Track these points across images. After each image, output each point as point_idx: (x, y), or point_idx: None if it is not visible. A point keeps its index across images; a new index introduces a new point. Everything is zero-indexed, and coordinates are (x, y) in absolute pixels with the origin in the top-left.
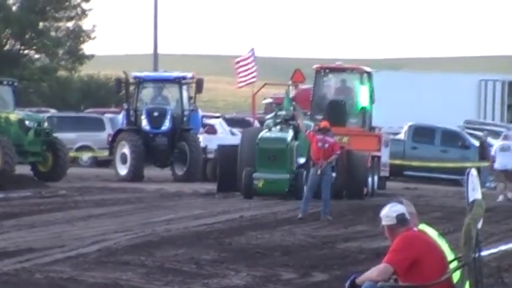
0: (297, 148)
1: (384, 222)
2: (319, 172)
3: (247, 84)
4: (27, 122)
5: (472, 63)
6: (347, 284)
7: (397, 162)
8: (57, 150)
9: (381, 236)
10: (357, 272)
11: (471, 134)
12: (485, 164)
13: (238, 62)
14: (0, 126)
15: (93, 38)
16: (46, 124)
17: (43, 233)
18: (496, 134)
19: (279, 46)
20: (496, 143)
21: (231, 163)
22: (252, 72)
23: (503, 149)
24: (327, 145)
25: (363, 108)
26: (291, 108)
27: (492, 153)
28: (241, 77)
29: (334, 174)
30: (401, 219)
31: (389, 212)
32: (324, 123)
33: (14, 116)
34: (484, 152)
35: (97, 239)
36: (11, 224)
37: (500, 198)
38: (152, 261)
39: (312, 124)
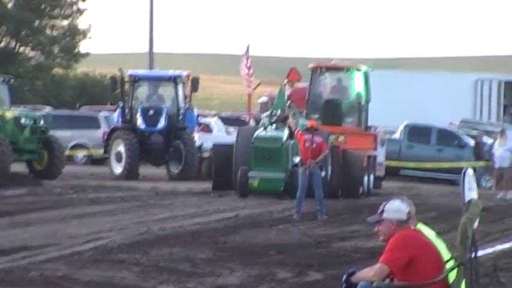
0: (292, 147)
1: (390, 216)
2: (307, 172)
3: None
4: (23, 120)
5: (468, 63)
6: (343, 277)
7: (393, 162)
8: (53, 148)
9: (376, 235)
10: (353, 268)
11: (466, 134)
12: (480, 163)
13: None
14: None
15: (89, 38)
16: (42, 122)
17: (38, 231)
18: (493, 134)
19: (275, 45)
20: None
21: (226, 162)
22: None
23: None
24: (314, 145)
25: (359, 107)
26: (284, 106)
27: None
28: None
29: (323, 173)
30: (409, 218)
31: (401, 206)
32: (311, 123)
33: (9, 114)
34: (479, 152)
35: (92, 237)
36: (5, 221)
37: (501, 194)
38: (147, 260)
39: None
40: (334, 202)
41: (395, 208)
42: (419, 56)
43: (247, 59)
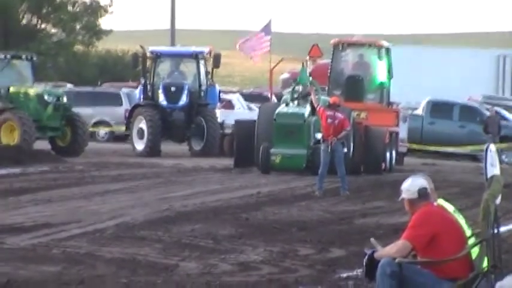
0: (314, 123)
1: (405, 196)
2: (329, 149)
3: (260, 54)
4: (46, 97)
5: (490, 38)
6: (365, 258)
7: (415, 145)
8: (76, 126)
9: (398, 211)
10: (374, 248)
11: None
12: (504, 144)
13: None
14: (19, 101)
15: (111, 13)
16: (65, 99)
17: (60, 208)
18: None
19: (297, 21)
20: None
21: (248, 138)
22: (262, 43)
23: None
24: (336, 121)
25: (381, 84)
26: (307, 82)
27: None
28: (253, 51)
29: (345, 150)
30: (423, 194)
31: (411, 185)
32: (334, 99)
33: (33, 91)
34: (488, 127)
35: (114, 214)
36: (28, 198)
37: None
38: (169, 237)
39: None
40: (356, 178)
41: (406, 188)
42: (441, 32)
43: (266, 35)
